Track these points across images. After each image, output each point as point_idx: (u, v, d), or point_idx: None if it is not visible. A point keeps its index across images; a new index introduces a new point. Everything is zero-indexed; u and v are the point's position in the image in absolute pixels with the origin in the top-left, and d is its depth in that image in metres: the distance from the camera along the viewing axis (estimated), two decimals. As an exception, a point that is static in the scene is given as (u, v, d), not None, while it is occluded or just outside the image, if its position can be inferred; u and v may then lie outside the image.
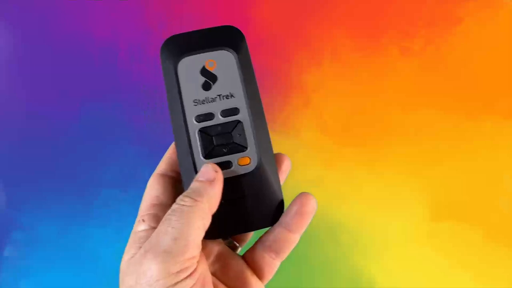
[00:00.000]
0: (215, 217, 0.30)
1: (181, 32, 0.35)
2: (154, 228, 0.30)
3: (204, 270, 0.30)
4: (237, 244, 0.35)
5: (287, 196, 0.33)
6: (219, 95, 0.33)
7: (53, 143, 0.56)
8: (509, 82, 0.57)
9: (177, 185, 0.33)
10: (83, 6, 0.57)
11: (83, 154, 0.56)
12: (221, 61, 0.34)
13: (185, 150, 0.32)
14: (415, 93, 0.57)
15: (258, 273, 0.33)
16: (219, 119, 0.33)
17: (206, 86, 0.33)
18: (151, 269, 0.27)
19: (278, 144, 0.38)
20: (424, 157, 0.56)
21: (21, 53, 0.57)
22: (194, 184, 0.30)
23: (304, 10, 0.58)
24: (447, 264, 0.55)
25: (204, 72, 0.33)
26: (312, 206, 0.32)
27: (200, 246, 0.28)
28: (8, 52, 0.57)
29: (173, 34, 0.35)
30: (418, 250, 0.56)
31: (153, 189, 0.33)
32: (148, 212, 0.31)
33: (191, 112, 0.33)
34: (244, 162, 0.32)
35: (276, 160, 0.34)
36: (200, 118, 0.33)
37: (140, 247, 0.29)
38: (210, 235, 0.30)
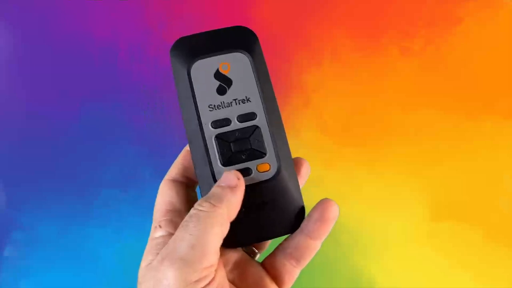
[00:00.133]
0: (234, 225, 0.29)
1: (183, 32, 0.34)
2: (172, 234, 0.29)
3: (222, 278, 0.29)
4: (256, 251, 0.34)
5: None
6: (234, 100, 0.32)
7: (53, 143, 0.56)
8: (509, 82, 0.57)
9: (189, 190, 0.33)
10: (83, 6, 0.57)
11: (83, 154, 0.56)
12: (235, 63, 0.33)
13: (202, 157, 0.32)
14: (415, 93, 0.57)
15: (278, 281, 0.32)
16: (236, 124, 0.32)
17: (221, 90, 0.32)
18: (168, 277, 0.26)
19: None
20: (424, 157, 0.56)
21: (21, 53, 0.57)
22: (214, 190, 0.29)
23: (304, 10, 0.58)
24: (447, 264, 0.55)
25: (218, 75, 0.32)
26: (334, 212, 0.31)
27: (218, 254, 0.28)
28: (8, 52, 0.57)
29: (183, 36, 0.33)
30: (418, 250, 0.56)
31: (166, 195, 0.32)
32: (164, 218, 0.31)
33: (207, 117, 0.32)
34: (264, 168, 0.32)
35: (294, 164, 0.33)
36: (217, 124, 0.32)
37: (158, 254, 0.28)
38: (230, 244, 0.30)
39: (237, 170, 0.31)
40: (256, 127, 0.32)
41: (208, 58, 0.32)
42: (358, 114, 0.57)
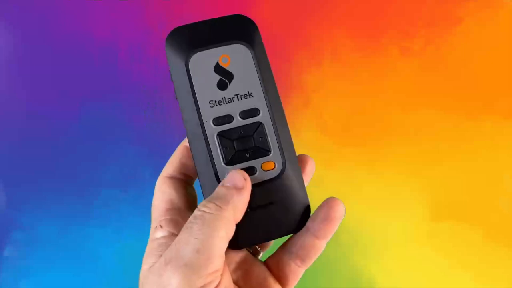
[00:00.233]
0: (238, 226, 0.28)
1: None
2: (174, 234, 0.29)
3: (228, 283, 0.28)
4: (259, 249, 0.34)
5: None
6: (236, 95, 0.31)
7: (53, 143, 0.56)
8: (509, 82, 0.57)
9: (187, 187, 0.32)
10: (83, 6, 0.57)
11: (83, 154, 0.56)
12: (236, 56, 0.31)
13: (204, 156, 0.30)
14: (415, 93, 0.57)
15: (282, 281, 0.31)
16: (238, 121, 0.30)
17: (222, 85, 0.31)
18: (172, 283, 0.25)
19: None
20: (424, 157, 0.56)
21: (21, 53, 0.57)
22: (219, 190, 0.28)
23: (304, 10, 0.58)
24: (447, 264, 0.55)
25: (218, 69, 0.31)
26: (340, 211, 0.30)
27: (224, 257, 0.27)
28: (8, 52, 0.57)
29: (178, 26, 0.32)
30: (418, 250, 0.56)
31: (164, 193, 0.31)
32: (165, 217, 0.30)
33: (208, 114, 0.30)
34: (269, 167, 0.30)
35: (299, 161, 0.32)
36: (219, 121, 0.30)
37: (160, 256, 0.27)
38: (235, 245, 0.29)
39: (241, 169, 0.30)
40: (259, 124, 0.31)
41: (207, 50, 0.31)
42: (358, 114, 0.57)
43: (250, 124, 0.31)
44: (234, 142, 0.30)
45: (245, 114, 0.31)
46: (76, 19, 0.57)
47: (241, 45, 0.31)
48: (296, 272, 0.31)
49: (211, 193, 0.29)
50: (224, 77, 0.31)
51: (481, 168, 0.56)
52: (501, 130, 0.57)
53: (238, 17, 0.32)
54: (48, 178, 0.56)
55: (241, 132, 0.30)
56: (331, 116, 0.57)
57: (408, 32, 0.57)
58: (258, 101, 0.31)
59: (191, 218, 0.27)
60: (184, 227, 0.27)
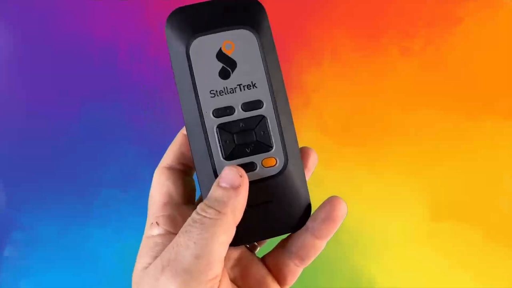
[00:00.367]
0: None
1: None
2: (170, 232, 0.28)
3: (226, 287, 0.28)
4: (256, 244, 0.33)
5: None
6: (239, 85, 0.29)
7: (53, 143, 0.56)
8: (509, 82, 0.57)
9: (186, 178, 0.31)
10: (83, 6, 0.57)
11: (83, 154, 0.56)
12: (240, 42, 0.29)
13: (202, 149, 0.29)
14: (415, 93, 0.57)
15: (280, 280, 0.31)
16: (240, 113, 0.29)
17: (224, 74, 0.29)
18: None
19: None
20: (424, 157, 0.56)
21: (21, 53, 0.57)
22: (216, 192, 0.27)
23: (304, 10, 0.58)
24: (447, 264, 0.55)
25: (221, 56, 0.29)
26: (343, 210, 0.29)
27: (223, 263, 0.26)
28: (8, 52, 0.57)
29: (180, 6, 0.29)
30: (418, 250, 0.56)
31: (162, 186, 0.30)
32: (162, 213, 0.29)
33: (208, 105, 0.28)
34: (270, 163, 0.29)
35: (301, 154, 0.30)
36: (219, 112, 0.28)
37: (156, 257, 0.26)
38: (232, 242, 0.28)
39: (241, 164, 0.29)
40: (262, 117, 0.29)
41: (210, 35, 0.28)
42: (358, 114, 0.57)
43: (252, 117, 0.29)
44: (234, 135, 0.29)
45: (248, 106, 0.29)
46: (76, 19, 0.57)
47: (247, 31, 0.29)
48: (295, 271, 0.31)
49: (208, 188, 0.28)
50: (227, 65, 0.29)
51: (481, 168, 0.56)
52: (501, 130, 0.57)
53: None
54: (48, 178, 0.56)
55: (242, 125, 0.29)
56: (331, 116, 0.57)
57: (408, 32, 0.57)
58: (262, 92, 0.29)
59: (190, 221, 0.26)
60: (183, 229, 0.26)
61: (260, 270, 0.31)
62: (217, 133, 0.29)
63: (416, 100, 0.57)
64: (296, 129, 0.31)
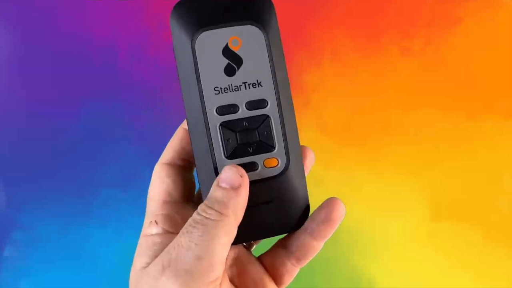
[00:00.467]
0: None
1: None
2: (169, 232, 0.28)
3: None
4: (253, 242, 0.33)
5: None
6: (244, 83, 0.28)
7: (53, 143, 0.56)
8: (509, 82, 0.57)
9: (186, 175, 0.31)
10: (83, 6, 0.57)
11: (83, 154, 0.56)
12: (248, 39, 0.28)
13: (203, 147, 0.28)
14: (415, 93, 0.57)
15: (277, 280, 0.31)
16: (244, 112, 0.28)
17: (230, 71, 0.28)
18: None
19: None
20: (424, 157, 0.56)
21: (21, 53, 0.57)
22: (217, 192, 0.27)
23: (304, 10, 0.58)
24: (447, 264, 0.55)
25: (227, 52, 0.28)
26: (341, 212, 0.29)
27: (224, 264, 0.26)
28: (8, 52, 0.57)
29: None
30: (418, 250, 0.56)
31: (162, 183, 0.29)
32: (161, 212, 0.29)
33: (212, 102, 0.28)
34: (271, 164, 0.29)
35: None
36: (223, 110, 0.28)
37: (154, 256, 0.26)
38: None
39: (242, 164, 0.28)
40: (266, 117, 0.29)
41: (216, 30, 0.28)
42: (358, 114, 0.57)
43: (256, 116, 0.28)
44: (237, 134, 0.28)
45: (252, 105, 0.28)
46: (76, 19, 0.57)
47: (255, 27, 0.28)
48: (292, 271, 0.31)
49: (208, 187, 0.28)
50: (233, 61, 0.28)
51: (481, 168, 0.56)
52: (501, 130, 0.57)
53: None
54: (48, 178, 0.56)
55: (245, 124, 0.28)
56: (331, 116, 0.57)
57: (408, 32, 0.57)
58: (267, 91, 0.28)
59: (191, 221, 0.26)
60: (184, 230, 0.26)
61: (257, 269, 0.31)
62: (219, 131, 0.28)
63: (416, 100, 0.57)
64: (297, 129, 0.30)
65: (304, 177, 0.30)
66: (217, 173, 0.28)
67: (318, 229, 0.29)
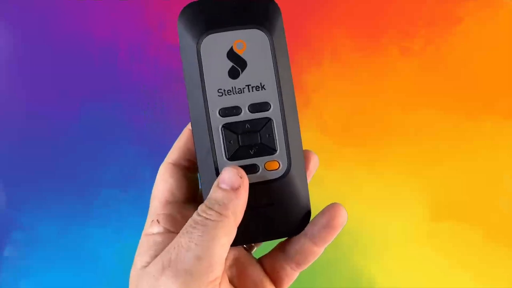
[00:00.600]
0: None
1: None
2: (170, 231, 0.28)
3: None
4: (253, 244, 0.33)
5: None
6: (248, 86, 0.28)
7: (53, 143, 0.56)
8: (509, 82, 0.57)
9: (189, 175, 0.31)
10: (83, 6, 0.57)
11: (83, 154, 0.56)
12: (252, 42, 0.28)
13: (205, 148, 0.29)
14: (415, 93, 0.57)
15: (276, 282, 0.31)
16: (246, 114, 0.29)
17: (234, 73, 0.28)
18: None
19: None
20: (424, 157, 0.56)
21: (21, 53, 0.57)
22: (217, 193, 0.27)
23: (304, 10, 0.58)
24: (447, 264, 0.55)
25: (232, 55, 0.28)
26: (342, 219, 0.29)
27: (224, 265, 0.26)
28: (8, 52, 0.57)
29: (194, 1, 0.29)
30: (418, 250, 0.56)
31: (166, 183, 0.30)
32: (163, 211, 0.29)
33: (215, 103, 0.28)
34: (273, 166, 0.29)
35: None
36: (225, 112, 0.28)
37: (155, 256, 0.26)
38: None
39: (243, 166, 0.28)
40: (268, 120, 0.29)
41: (222, 33, 0.28)
42: (358, 114, 0.57)
43: (258, 119, 0.29)
44: (239, 136, 0.29)
45: (255, 107, 0.29)
46: (76, 19, 0.57)
47: (260, 31, 0.28)
48: (291, 275, 0.31)
49: (209, 187, 0.28)
50: (237, 64, 0.28)
51: (481, 168, 0.56)
52: (501, 130, 0.57)
53: None
54: (48, 178, 0.56)
55: (247, 127, 0.29)
56: (331, 116, 0.57)
57: (408, 32, 0.57)
58: (270, 94, 0.29)
59: (191, 222, 0.26)
60: (184, 230, 0.26)
61: (256, 271, 0.31)
62: (222, 133, 0.29)
63: (416, 100, 0.57)
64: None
65: (306, 181, 0.30)
66: (218, 174, 0.29)
67: (318, 235, 0.29)
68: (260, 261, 0.32)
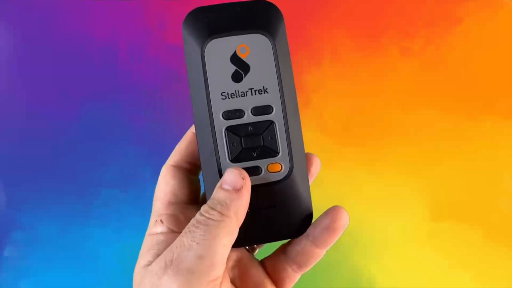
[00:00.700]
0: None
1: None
2: (174, 231, 0.28)
3: None
4: (256, 246, 0.34)
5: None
6: (250, 89, 0.29)
7: (53, 143, 0.56)
8: (509, 82, 0.57)
9: (192, 178, 0.31)
10: (83, 6, 0.57)
11: (83, 154, 0.56)
12: (255, 47, 0.29)
13: (209, 150, 0.29)
14: (415, 93, 0.57)
15: (278, 284, 0.31)
16: (249, 117, 0.29)
17: (237, 77, 0.29)
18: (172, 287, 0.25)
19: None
20: (424, 157, 0.56)
21: (21, 53, 0.57)
22: (219, 194, 0.27)
23: (304, 10, 0.58)
24: (447, 264, 0.55)
25: (235, 59, 0.29)
26: (344, 221, 0.30)
27: (225, 265, 0.26)
28: (8, 52, 0.57)
29: (198, 6, 0.30)
30: (418, 250, 0.56)
31: (168, 184, 0.30)
32: (166, 212, 0.29)
33: (218, 106, 0.29)
34: (275, 169, 0.29)
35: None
36: (229, 115, 0.29)
37: (158, 255, 0.27)
38: (233, 244, 0.28)
39: (246, 168, 0.29)
40: (271, 123, 0.29)
41: (225, 38, 0.29)
42: (358, 114, 0.57)
43: (261, 121, 0.29)
44: (242, 139, 0.29)
45: (257, 110, 0.29)
46: (76, 19, 0.57)
47: (263, 36, 0.29)
48: (293, 276, 0.31)
49: (212, 188, 0.28)
50: (240, 68, 0.29)
51: (481, 168, 0.56)
52: (501, 130, 0.57)
53: (263, 3, 0.30)
54: (48, 178, 0.56)
55: (250, 129, 0.29)
56: (331, 116, 0.57)
57: (408, 32, 0.57)
58: (273, 98, 0.29)
59: (193, 222, 0.27)
60: (186, 230, 0.26)
61: (258, 273, 0.31)
62: (225, 135, 0.29)
63: (416, 100, 0.57)
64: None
65: (308, 184, 0.31)
66: (221, 175, 0.29)
67: (320, 237, 0.30)
68: (262, 262, 0.32)
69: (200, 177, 0.32)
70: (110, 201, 0.55)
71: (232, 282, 0.30)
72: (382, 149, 0.57)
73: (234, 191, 0.27)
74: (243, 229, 0.28)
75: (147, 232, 0.29)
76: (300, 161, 0.30)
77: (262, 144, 0.29)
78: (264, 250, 0.34)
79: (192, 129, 0.32)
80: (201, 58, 0.29)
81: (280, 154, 0.30)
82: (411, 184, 0.56)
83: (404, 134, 0.57)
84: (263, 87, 0.29)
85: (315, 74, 0.57)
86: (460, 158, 0.57)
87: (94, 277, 0.55)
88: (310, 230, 0.30)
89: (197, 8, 0.30)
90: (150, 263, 0.27)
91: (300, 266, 0.31)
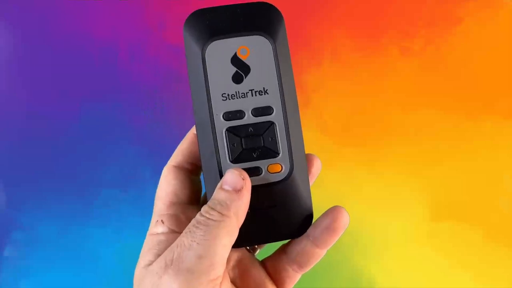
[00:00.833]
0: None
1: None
2: (174, 231, 0.29)
3: None
4: (256, 246, 0.34)
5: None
6: (251, 90, 0.29)
7: (53, 143, 0.56)
8: (509, 82, 0.57)
9: (194, 178, 0.31)
10: (83, 6, 0.57)
11: (83, 154, 0.56)
12: (256, 48, 0.29)
13: (209, 151, 0.29)
14: (415, 93, 0.57)
15: (278, 284, 0.31)
16: (250, 118, 0.30)
17: (237, 78, 0.29)
18: (172, 287, 0.25)
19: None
20: (424, 157, 0.56)
21: (21, 53, 0.57)
22: (219, 194, 0.28)
23: (304, 10, 0.58)
24: (447, 264, 0.55)
25: (236, 60, 0.29)
26: (344, 221, 0.30)
27: (225, 265, 0.27)
28: (8, 52, 0.57)
29: (199, 8, 0.30)
30: (418, 250, 0.56)
31: (170, 185, 0.30)
32: (167, 212, 0.30)
33: (219, 107, 0.29)
34: (275, 169, 0.30)
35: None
36: (229, 116, 0.29)
37: (158, 255, 0.27)
38: (233, 244, 0.28)
39: (247, 168, 0.29)
40: (271, 123, 0.30)
41: (226, 39, 0.29)
42: (358, 114, 0.57)
43: (261, 122, 0.30)
44: (242, 139, 0.30)
45: (258, 111, 0.30)
46: (76, 19, 0.57)
47: (263, 38, 0.29)
48: (293, 277, 0.31)
49: (213, 189, 0.28)
50: (241, 69, 0.29)
51: (481, 168, 0.56)
52: (501, 130, 0.57)
53: (264, 5, 0.30)
54: (48, 178, 0.56)
55: (251, 130, 0.30)
56: (331, 116, 0.57)
57: (408, 32, 0.57)
58: (273, 99, 0.30)
59: (194, 222, 0.27)
60: (187, 230, 0.27)
61: (259, 273, 0.31)
62: (225, 136, 0.29)
63: (416, 100, 0.57)
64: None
65: (308, 184, 0.31)
66: (221, 176, 0.29)
67: (320, 237, 0.30)
68: (262, 263, 0.32)
69: (201, 177, 0.32)
70: (110, 201, 0.55)
71: (233, 282, 0.31)
72: (382, 149, 0.57)
73: (234, 191, 0.27)
74: (244, 229, 0.28)
75: (148, 232, 0.29)
76: (300, 161, 0.30)
77: (262, 144, 0.30)
78: (265, 250, 0.34)
79: (193, 130, 0.32)
80: (202, 59, 0.29)
81: (280, 154, 0.30)
82: (411, 184, 0.56)
83: (404, 134, 0.57)
84: (264, 88, 0.30)
85: (315, 74, 0.57)
86: (460, 158, 0.57)
87: (94, 277, 0.55)
88: (310, 230, 0.31)
89: (197, 10, 0.30)
90: (151, 263, 0.27)
91: (300, 266, 0.31)
